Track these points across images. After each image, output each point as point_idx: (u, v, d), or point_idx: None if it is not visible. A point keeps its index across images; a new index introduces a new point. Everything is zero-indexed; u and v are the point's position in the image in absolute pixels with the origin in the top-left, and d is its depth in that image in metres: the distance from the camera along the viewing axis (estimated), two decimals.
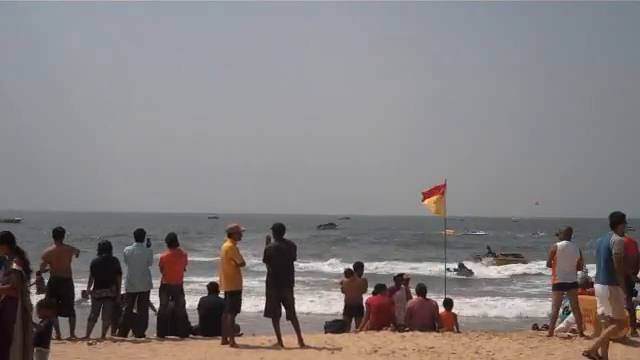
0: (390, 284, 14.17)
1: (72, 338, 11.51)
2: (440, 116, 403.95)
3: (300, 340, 10.66)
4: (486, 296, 28.82)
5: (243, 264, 10.93)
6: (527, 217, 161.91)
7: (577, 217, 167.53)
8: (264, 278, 11.17)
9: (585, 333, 11.49)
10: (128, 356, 10.09)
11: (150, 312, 12.42)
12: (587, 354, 8.71)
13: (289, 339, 10.76)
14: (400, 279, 14.42)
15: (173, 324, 12.00)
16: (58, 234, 11.96)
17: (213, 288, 12.63)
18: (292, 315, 10.81)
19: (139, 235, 12.37)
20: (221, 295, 11.65)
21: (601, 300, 9.11)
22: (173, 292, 12.08)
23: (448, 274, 37.66)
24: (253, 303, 19.23)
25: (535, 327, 14.36)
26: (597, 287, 9.13)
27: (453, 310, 13.86)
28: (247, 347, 10.62)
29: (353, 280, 14.08)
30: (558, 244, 11.80)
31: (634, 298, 11.96)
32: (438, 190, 16.62)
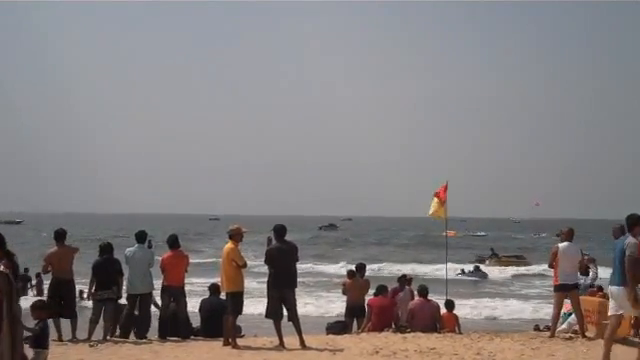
0: (391, 285, 14.17)
1: (74, 339, 11.50)
2: (440, 116, 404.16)
3: (302, 341, 10.65)
4: (488, 297, 28.83)
5: (245, 265, 10.93)
6: (527, 218, 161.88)
7: (577, 218, 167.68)
8: (262, 279, 11.17)
9: (587, 334, 11.50)
10: (129, 357, 10.08)
11: (154, 312, 12.42)
12: None
13: (291, 340, 10.76)
14: (404, 280, 14.46)
15: (175, 325, 12.01)
16: (59, 236, 11.95)
17: (215, 289, 12.63)
18: (294, 316, 10.80)
19: (140, 236, 12.37)
20: (223, 296, 11.65)
21: (618, 301, 9.03)
22: (175, 294, 12.08)
23: (463, 277, 38.08)
24: (253, 304, 19.18)
25: (537, 328, 14.37)
26: (612, 289, 9.07)
27: (454, 311, 13.85)
28: (249, 348, 10.62)
29: (355, 281, 14.09)
30: (560, 245, 11.81)
31: None
32: (441, 193, 16.69)
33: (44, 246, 13.41)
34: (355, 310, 13.70)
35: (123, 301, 12.15)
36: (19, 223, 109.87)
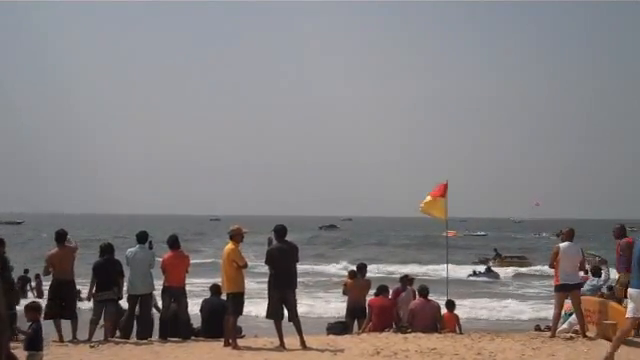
0: (392, 285, 14.16)
1: (74, 340, 11.50)
2: (440, 116, 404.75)
3: (302, 342, 10.64)
4: (488, 297, 28.81)
5: (245, 266, 10.93)
6: (527, 218, 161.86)
7: (577, 218, 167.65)
8: (262, 279, 11.16)
9: (588, 334, 11.49)
10: (130, 358, 10.08)
11: (154, 314, 12.41)
12: None
13: (291, 341, 10.76)
14: (406, 280, 14.42)
15: (175, 326, 12.00)
16: (60, 237, 11.94)
17: (215, 290, 12.63)
18: (294, 317, 10.79)
19: (141, 237, 12.35)
20: (223, 297, 11.65)
21: (637, 304, 8.97)
22: (176, 294, 12.07)
23: (475, 278, 38.12)
24: (253, 304, 19.16)
25: (537, 328, 14.37)
26: (632, 291, 9.06)
27: (455, 311, 13.84)
28: (249, 349, 10.62)
29: (357, 281, 14.07)
30: (560, 245, 11.81)
31: None
32: (440, 191, 16.60)
33: (44, 247, 13.37)
34: (356, 310, 13.68)
35: (124, 302, 12.15)
36: (20, 224, 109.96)
